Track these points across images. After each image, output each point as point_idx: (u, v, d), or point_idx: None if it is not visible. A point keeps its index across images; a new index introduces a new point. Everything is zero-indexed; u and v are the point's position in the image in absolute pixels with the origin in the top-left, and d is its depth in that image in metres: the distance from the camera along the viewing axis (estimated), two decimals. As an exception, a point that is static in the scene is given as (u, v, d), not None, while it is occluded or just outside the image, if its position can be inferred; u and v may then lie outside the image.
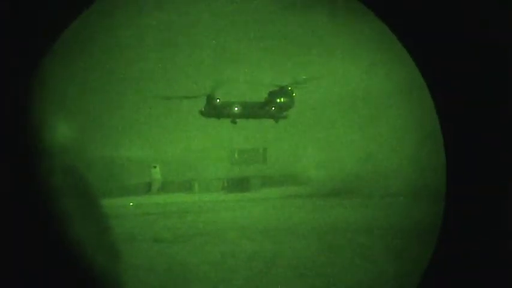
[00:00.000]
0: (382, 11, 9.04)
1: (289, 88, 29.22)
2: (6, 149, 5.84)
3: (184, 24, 27.64)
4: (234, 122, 29.28)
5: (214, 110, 29.11)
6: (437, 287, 8.56)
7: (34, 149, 5.81)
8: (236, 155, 29.37)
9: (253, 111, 29.36)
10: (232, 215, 24.04)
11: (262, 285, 15.54)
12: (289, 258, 17.86)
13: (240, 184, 28.88)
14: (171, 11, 27.31)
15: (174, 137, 28.99)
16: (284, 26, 27.76)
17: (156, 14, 26.94)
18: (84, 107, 25.27)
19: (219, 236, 20.76)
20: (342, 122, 27.37)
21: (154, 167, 29.14)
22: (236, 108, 29.23)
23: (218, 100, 29.11)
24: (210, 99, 29.01)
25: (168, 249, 19.23)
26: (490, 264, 8.35)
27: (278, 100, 29.35)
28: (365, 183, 25.18)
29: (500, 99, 8.33)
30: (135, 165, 28.37)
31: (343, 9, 24.77)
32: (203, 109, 29.10)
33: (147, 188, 29.24)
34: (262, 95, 29.54)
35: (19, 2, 7.38)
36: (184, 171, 29.21)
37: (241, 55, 27.81)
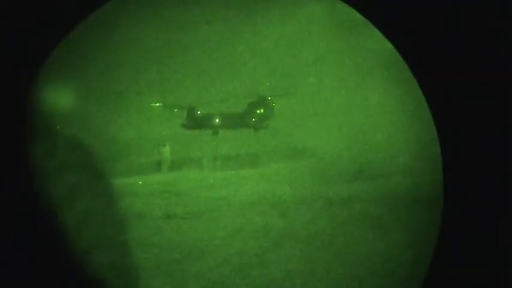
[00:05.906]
0: (379, 21, 9.00)
1: (269, 98, 28.92)
2: (7, 123, 5.84)
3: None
4: (215, 133, 29.35)
5: (195, 122, 29.17)
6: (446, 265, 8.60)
7: (36, 124, 5.79)
8: (219, 163, 29.46)
9: (234, 122, 29.23)
10: (243, 190, 24.18)
11: (274, 257, 15.69)
12: (301, 231, 18.00)
13: (248, 160, 28.97)
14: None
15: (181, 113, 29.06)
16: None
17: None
18: (87, 82, 25.20)
19: (230, 211, 20.91)
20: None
21: (164, 145, 29.24)
22: (217, 120, 29.22)
23: (199, 112, 29.17)
24: (190, 111, 29.06)
25: (180, 226, 19.40)
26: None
27: (258, 111, 29.12)
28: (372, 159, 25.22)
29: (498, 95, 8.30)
30: (144, 144, 28.45)
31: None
32: (185, 122, 29.19)
33: (157, 167, 29.36)
34: (242, 106, 29.28)
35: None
36: (192, 148, 29.29)
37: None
